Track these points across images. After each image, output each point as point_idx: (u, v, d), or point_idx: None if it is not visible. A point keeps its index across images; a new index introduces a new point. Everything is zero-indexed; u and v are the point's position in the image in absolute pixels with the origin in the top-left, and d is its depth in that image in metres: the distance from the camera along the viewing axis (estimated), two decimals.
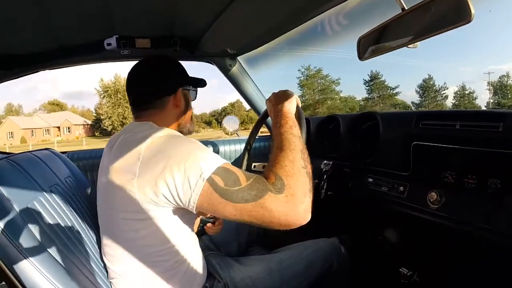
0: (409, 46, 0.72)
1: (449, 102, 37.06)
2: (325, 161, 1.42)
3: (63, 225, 0.74)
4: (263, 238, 1.25)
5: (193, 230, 0.82)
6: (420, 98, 37.88)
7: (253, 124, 1.11)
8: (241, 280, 0.87)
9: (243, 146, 1.84)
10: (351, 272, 1.09)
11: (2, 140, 38.44)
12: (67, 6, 0.81)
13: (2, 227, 0.60)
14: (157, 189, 0.63)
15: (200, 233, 1.03)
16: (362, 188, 1.28)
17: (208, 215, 1.06)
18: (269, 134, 2.03)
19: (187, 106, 0.88)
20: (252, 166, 1.15)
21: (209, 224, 1.03)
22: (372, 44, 0.82)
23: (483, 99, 38.26)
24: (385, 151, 1.21)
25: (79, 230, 0.80)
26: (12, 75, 1.23)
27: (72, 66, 1.38)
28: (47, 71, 1.33)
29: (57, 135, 42.99)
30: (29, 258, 0.60)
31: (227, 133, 2.03)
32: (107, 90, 42.67)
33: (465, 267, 0.99)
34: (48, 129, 42.99)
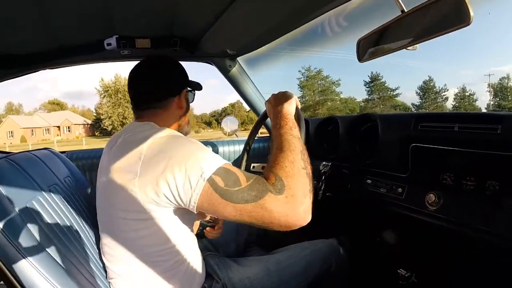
0: (408, 48, 0.73)
1: (449, 104, 37.19)
2: (324, 162, 1.42)
3: (62, 224, 0.74)
4: (262, 239, 1.25)
5: (192, 230, 0.82)
6: (420, 100, 38.02)
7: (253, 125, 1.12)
8: (239, 280, 0.87)
9: (242, 146, 1.84)
10: (350, 273, 1.09)
11: (2, 139, 38.46)
12: (67, 6, 0.81)
13: (1, 226, 0.60)
14: (158, 189, 0.63)
15: (199, 237, 1.03)
16: (361, 190, 1.29)
17: (208, 219, 1.06)
18: (268, 135, 2.03)
19: (188, 108, 0.89)
20: (251, 167, 1.15)
21: (208, 228, 1.04)
22: (372, 46, 0.83)
23: (483, 101, 38.36)
24: (384, 153, 1.22)
25: (78, 230, 0.80)
26: (12, 74, 1.24)
27: (72, 66, 1.38)
28: (47, 70, 1.34)
29: (57, 135, 42.97)
30: (28, 257, 0.60)
31: (225, 134, 2.03)
32: (108, 90, 42.70)
33: (463, 268, 0.99)
34: (48, 129, 42.99)
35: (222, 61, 1.57)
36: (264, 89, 1.74)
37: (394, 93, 38.40)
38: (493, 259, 0.88)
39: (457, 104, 36.86)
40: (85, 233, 0.83)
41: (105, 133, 42.37)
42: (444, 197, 0.96)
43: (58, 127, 44.01)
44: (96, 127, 46.41)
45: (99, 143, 27.56)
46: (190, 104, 0.93)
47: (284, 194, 0.61)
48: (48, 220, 0.71)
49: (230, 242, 1.15)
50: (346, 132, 1.42)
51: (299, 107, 0.87)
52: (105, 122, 42.33)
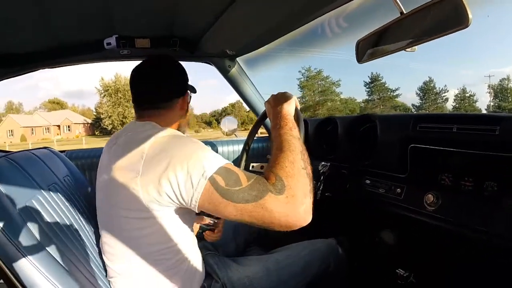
0: (407, 50, 0.73)
1: (450, 105, 37.18)
2: (323, 163, 1.42)
3: (61, 223, 0.75)
4: (261, 238, 1.25)
5: (192, 230, 0.82)
6: (420, 101, 38.00)
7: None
8: (238, 280, 0.87)
9: (241, 146, 1.84)
10: (348, 273, 1.10)
11: (2, 138, 38.46)
12: (67, 6, 0.82)
13: (1, 225, 0.60)
14: (160, 187, 0.63)
15: (198, 239, 1.04)
16: (360, 190, 1.29)
17: (208, 222, 1.06)
18: (267, 135, 2.04)
19: (188, 109, 0.89)
20: (250, 167, 1.15)
21: (208, 232, 1.04)
22: (370, 47, 0.83)
23: (483, 102, 38.35)
24: (382, 153, 1.22)
25: (78, 228, 0.80)
26: (12, 73, 1.24)
27: (72, 65, 1.39)
28: (48, 69, 1.34)
29: (57, 134, 42.98)
30: (28, 256, 0.60)
31: (224, 134, 2.03)
32: (108, 89, 42.73)
33: (461, 268, 1.00)
34: (48, 128, 43.00)
35: (222, 61, 1.57)
36: (264, 90, 1.74)
37: (394, 94, 38.47)
38: (491, 259, 0.88)
39: (457, 105, 36.87)
40: (85, 232, 0.83)
41: (105, 132, 42.39)
42: (442, 197, 0.97)
43: (58, 126, 44.03)
44: (96, 126, 46.46)
45: (99, 142, 27.58)
46: (190, 104, 0.93)
47: (285, 194, 0.61)
48: (47, 219, 0.71)
49: (229, 241, 1.16)
50: (345, 133, 1.43)
51: (299, 107, 0.87)
52: (105, 122, 42.37)
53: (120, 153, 0.70)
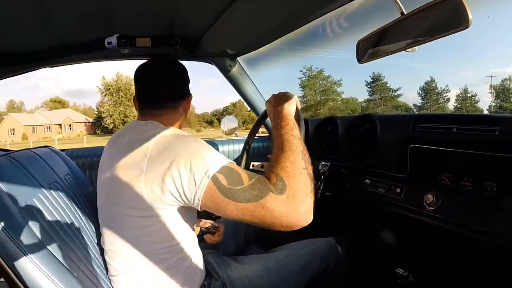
0: (407, 50, 0.73)
1: (451, 105, 37.08)
2: (323, 162, 1.42)
3: (62, 222, 0.75)
4: (261, 237, 1.26)
5: (193, 228, 0.83)
6: (422, 101, 37.89)
7: None
8: (238, 278, 0.87)
9: (242, 146, 1.84)
10: (348, 272, 1.10)
11: (3, 136, 38.56)
12: (67, 6, 0.82)
13: (2, 224, 0.60)
14: (164, 185, 0.64)
15: (199, 239, 1.04)
16: (360, 190, 1.29)
17: (208, 226, 1.07)
18: (267, 134, 2.04)
19: (188, 109, 0.90)
20: (251, 166, 1.16)
21: (208, 235, 1.04)
22: (371, 48, 0.83)
23: (485, 102, 38.21)
24: (382, 153, 1.22)
25: (79, 227, 0.80)
26: (13, 72, 1.24)
27: (73, 64, 1.39)
28: (49, 68, 1.34)
29: (59, 133, 43.07)
30: (29, 255, 0.61)
31: (224, 133, 2.03)
32: (109, 88, 42.81)
33: (461, 268, 1.00)
34: (49, 126, 43.08)
35: (222, 61, 1.57)
36: (265, 89, 1.75)
37: (396, 94, 38.38)
38: (491, 259, 0.88)
39: (459, 105, 36.75)
40: (86, 230, 0.83)
41: (106, 131, 42.44)
42: (442, 197, 0.97)
43: (60, 125, 44.11)
44: (97, 125, 46.52)
45: (100, 141, 27.61)
46: (191, 103, 0.94)
47: (285, 194, 0.61)
48: (48, 217, 0.71)
49: (229, 240, 1.16)
50: (345, 133, 1.43)
51: (299, 107, 0.87)
52: (106, 120, 42.46)
53: (123, 152, 0.71)
